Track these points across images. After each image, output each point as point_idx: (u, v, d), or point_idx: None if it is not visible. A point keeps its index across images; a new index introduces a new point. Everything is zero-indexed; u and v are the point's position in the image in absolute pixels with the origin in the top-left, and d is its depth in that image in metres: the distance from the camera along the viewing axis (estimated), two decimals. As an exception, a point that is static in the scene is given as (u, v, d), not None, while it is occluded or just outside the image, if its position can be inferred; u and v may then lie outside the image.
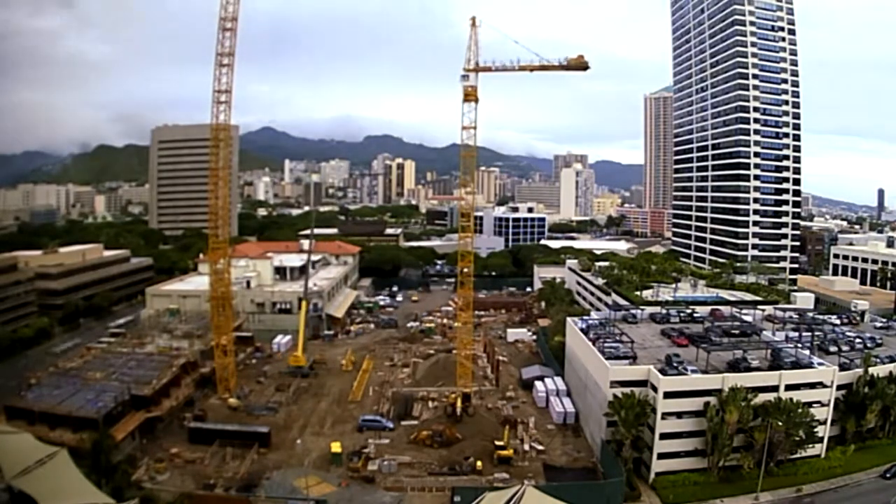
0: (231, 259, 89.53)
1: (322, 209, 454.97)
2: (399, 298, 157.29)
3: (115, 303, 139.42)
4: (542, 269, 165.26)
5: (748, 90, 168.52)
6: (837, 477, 63.95)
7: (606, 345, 73.90)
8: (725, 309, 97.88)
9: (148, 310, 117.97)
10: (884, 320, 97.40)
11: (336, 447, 66.85)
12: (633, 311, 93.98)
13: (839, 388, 67.75)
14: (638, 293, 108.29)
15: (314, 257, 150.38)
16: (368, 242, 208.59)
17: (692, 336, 79.37)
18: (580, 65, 76.22)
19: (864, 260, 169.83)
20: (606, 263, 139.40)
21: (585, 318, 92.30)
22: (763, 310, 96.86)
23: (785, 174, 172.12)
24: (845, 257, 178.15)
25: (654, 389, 63.65)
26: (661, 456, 63.23)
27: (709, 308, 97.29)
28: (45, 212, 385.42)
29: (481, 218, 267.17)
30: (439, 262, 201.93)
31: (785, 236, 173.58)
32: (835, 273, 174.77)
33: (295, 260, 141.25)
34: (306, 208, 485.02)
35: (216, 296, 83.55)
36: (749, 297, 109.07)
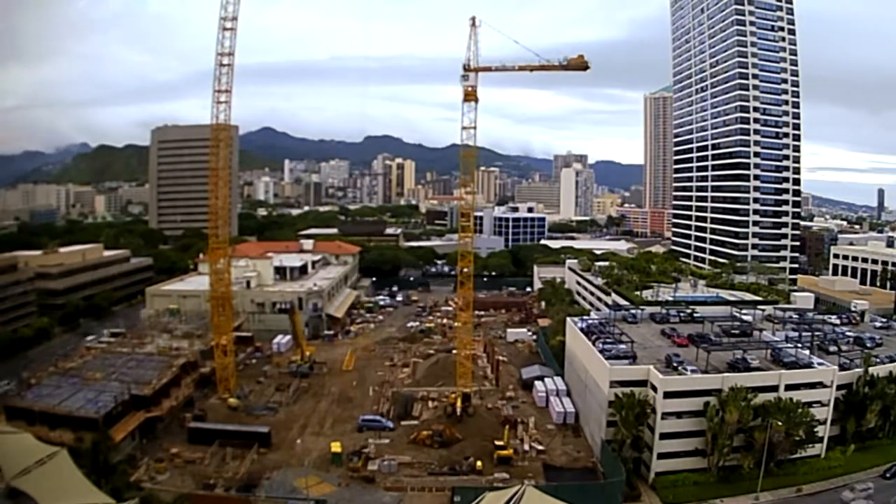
0: (231, 259, 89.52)
1: (322, 209, 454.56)
2: (399, 298, 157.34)
3: (115, 303, 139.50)
4: (542, 269, 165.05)
5: (748, 90, 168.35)
6: (837, 477, 63.90)
7: (606, 345, 73.89)
8: (724, 309, 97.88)
9: (148, 310, 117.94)
10: (884, 320, 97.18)
11: (336, 447, 66.89)
12: (633, 311, 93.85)
13: (839, 388, 67.75)
14: (638, 293, 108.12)
15: (315, 257, 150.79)
16: (368, 242, 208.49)
17: (692, 336, 79.36)
18: (580, 65, 76.22)
19: (864, 260, 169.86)
20: (606, 263, 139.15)
21: (585, 318, 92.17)
22: (763, 310, 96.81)
23: (785, 174, 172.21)
24: (845, 257, 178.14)
25: (654, 389, 63.70)
26: (661, 456, 63.25)
27: (709, 308, 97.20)
28: (45, 212, 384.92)
29: (481, 218, 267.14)
30: (439, 262, 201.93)
31: (785, 236, 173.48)
32: (835, 273, 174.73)
33: (295, 260, 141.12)
34: (306, 208, 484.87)
35: (216, 296, 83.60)
36: (749, 297, 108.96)
